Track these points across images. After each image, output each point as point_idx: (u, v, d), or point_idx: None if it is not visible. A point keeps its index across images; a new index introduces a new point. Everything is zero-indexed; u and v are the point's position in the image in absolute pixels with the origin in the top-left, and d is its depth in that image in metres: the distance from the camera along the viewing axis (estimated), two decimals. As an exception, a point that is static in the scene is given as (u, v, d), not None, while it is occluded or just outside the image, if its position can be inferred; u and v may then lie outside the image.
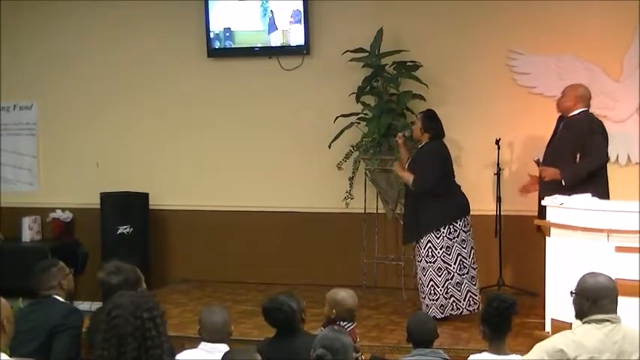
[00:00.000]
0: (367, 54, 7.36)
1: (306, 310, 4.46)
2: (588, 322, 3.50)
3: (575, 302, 3.61)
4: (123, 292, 2.95)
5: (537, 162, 6.28)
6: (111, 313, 2.84)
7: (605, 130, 6.11)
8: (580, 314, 3.58)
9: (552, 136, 6.29)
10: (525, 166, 7.06)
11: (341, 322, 4.50)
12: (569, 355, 3.37)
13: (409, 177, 6.40)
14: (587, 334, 3.44)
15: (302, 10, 7.75)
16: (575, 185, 5.84)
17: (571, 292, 3.64)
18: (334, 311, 4.52)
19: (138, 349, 2.79)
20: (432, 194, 6.31)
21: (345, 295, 4.57)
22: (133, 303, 2.83)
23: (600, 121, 6.20)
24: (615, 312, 3.52)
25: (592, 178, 5.92)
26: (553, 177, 6.03)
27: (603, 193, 5.87)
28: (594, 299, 3.51)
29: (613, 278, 3.66)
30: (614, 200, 5.79)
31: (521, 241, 6.86)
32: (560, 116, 6.29)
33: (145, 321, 2.82)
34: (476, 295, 6.42)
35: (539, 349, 3.46)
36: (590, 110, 6.20)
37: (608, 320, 3.47)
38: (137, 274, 4.31)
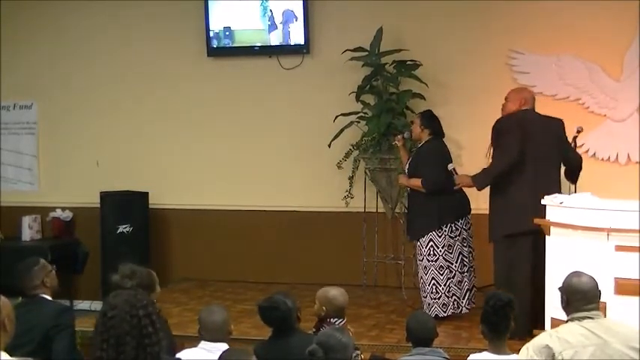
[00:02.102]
0: (367, 53, 7.36)
1: (306, 309, 4.46)
2: (572, 320, 3.60)
3: (561, 299, 3.74)
4: (117, 292, 2.95)
5: (452, 171, 6.27)
6: (106, 314, 2.84)
7: (517, 124, 5.92)
8: (564, 310, 3.71)
9: None
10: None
11: (331, 319, 4.50)
12: (554, 350, 3.47)
13: (416, 182, 6.41)
14: (570, 331, 3.54)
15: (301, 10, 7.74)
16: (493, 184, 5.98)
17: (559, 289, 3.77)
18: (324, 309, 4.53)
19: (136, 348, 2.79)
20: (435, 193, 6.31)
21: (336, 293, 4.57)
22: (127, 302, 2.84)
23: (512, 116, 6.01)
24: (596, 310, 3.61)
25: (511, 178, 5.90)
26: (467, 184, 6.13)
27: (526, 189, 5.87)
28: (573, 299, 3.63)
29: (601, 279, 3.78)
30: (614, 199, 5.79)
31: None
32: None
33: (141, 319, 2.82)
34: (472, 292, 6.45)
35: (527, 348, 3.56)
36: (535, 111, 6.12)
37: (589, 317, 3.56)
38: (152, 279, 4.28)
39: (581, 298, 3.61)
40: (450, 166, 6.28)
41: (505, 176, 5.91)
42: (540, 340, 3.54)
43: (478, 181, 6.08)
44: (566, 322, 3.64)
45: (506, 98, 6.17)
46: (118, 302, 2.85)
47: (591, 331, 3.49)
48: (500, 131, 5.98)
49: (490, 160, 6.09)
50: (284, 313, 4.18)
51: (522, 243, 5.93)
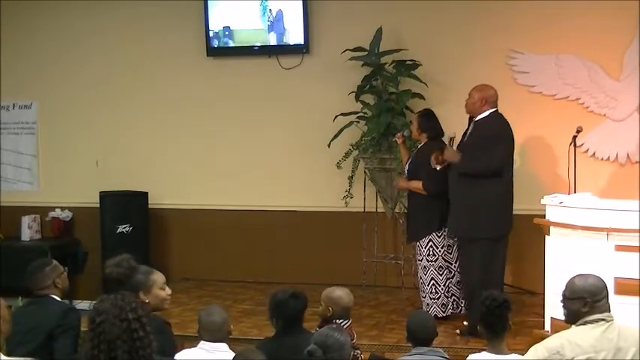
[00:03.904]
0: (366, 53, 7.36)
1: (307, 309, 4.46)
2: (583, 324, 3.51)
3: (568, 306, 3.61)
4: (104, 297, 2.93)
5: (452, 139, 6.20)
6: (95, 320, 2.82)
7: (512, 136, 6.04)
8: (575, 317, 3.57)
9: (462, 138, 6.23)
10: (525, 164, 7.09)
11: (336, 320, 4.50)
12: (566, 355, 3.38)
13: (418, 184, 6.40)
14: (582, 334, 3.46)
15: (299, 9, 7.72)
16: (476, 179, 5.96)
17: (564, 296, 3.64)
18: (331, 309, 4.52)
19: (129, 352, 2.76)
20: (436, 195, 6.30)
21: (341, 293, 4.57)
22: (116, 306, 2.81)
23: (508, 125, 6.06)
24: (609, 310, 3.53)
25: (494, 180, 5.94)
26: (451, 158, 6.05)
27: (503, 195, 5.92)
28: (592, 300, 3.52)
29: (603, 279, 3.68)
30: (614, 199, 5.79)
31: (521, 240, 6.84)
32: (470, 117, 6.25)
33: (131, 322, 2.79)
34: None
35: (537, 351, 3.47)
36: (499, 111, 6.12)
37: (603, 319, 3.48)
38: (147, 279, 4.26)
39: (600, 298, 3.51)
40: (452, 133, 6.19)
41: (496, 177, 5.92)
42: (551, 343, 3.47)
43: (462, 163, 5.98)
44: (578, 324, 3.54)
45: (470, 94, 6.16)
46: (106, 307, 2.82)
47: (604, 334, 3.42)
48: (498, 138, 5.97)
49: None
50: (304, 303, 4.22)
51: (502, 245, 5.95)
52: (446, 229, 6.32)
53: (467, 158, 5.99)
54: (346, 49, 7.37)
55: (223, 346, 3.99)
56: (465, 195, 6.03)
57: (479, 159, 5.93)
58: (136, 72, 8.38)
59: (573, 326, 3.57)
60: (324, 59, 7.84)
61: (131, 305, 2.84)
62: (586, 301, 3.52)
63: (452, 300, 6.36)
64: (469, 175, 5.95)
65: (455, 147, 6.12)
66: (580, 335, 3.45)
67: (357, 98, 7.47)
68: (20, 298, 5.18)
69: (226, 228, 8.12)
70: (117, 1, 8.31)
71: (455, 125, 7.03)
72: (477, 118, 6.13)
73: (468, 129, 6.20)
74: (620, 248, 5.17)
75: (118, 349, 2.76)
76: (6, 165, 8.76)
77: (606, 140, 7.15)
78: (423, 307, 6.36)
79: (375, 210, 7.61)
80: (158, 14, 8.27)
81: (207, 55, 8.11)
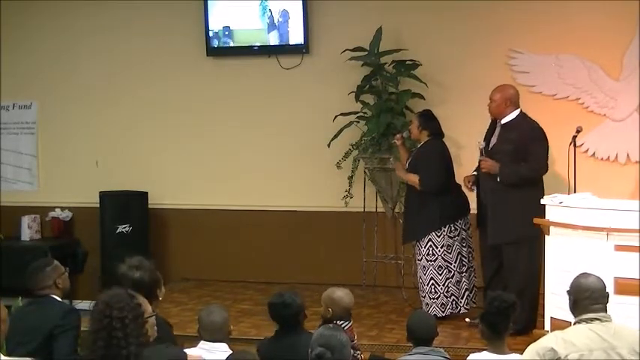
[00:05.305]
0: (366, 53, 7.36)
1: (306, 309, 4.47)
2: (579, 322, 3.55)
3: (568, 299, 3.68)
4: (108, 291, 2.95)
5: (481, 150, 6.16)
6: (93, 309, 2.86)
7: (546, 136, 6.05)
8: (572, 311, 3.63)
9: (486, 140, 6.22)
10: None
11: (337, 322, 4.50)
12: (559, 353, 3.41)
13: (414, 177, 6.40)
14: (577, 333, 3.49)
15: (299, 9, 7.73)
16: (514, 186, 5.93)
17: (567, 292, 3.70)
18: (330, 310, 4.52)
19: (104, 347, 2.78)
20: (434, 193, 6.30)
21: (341, 294, 4.57)
22: (104, 302, 2.84)
23: (539, 125, 6.09)
24: (604, 311, 3.56)
25: (532, 184, 5.97)
26: (490, 170, 6.00)
27: (538, 199, 5.88)
28: (580, 298, 3.57)
29: (603, 279, 3.70)
30: (614, 199, 5.79)
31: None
32: (492, 119, 6.24)
33: (113, 320, 2.81)
34: (472, 293, 6.42)
35: (532, 350, 3.51)
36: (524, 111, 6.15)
37: (597, 319, 3.51)
38: (157, 275, 4.27)
39: (588, 297, 3.55)
40: (481, 144, 6.14)
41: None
42: (545, 342, 3.49)
43: (504, 174, 5.95)
44: (574, 323, 3.58)
45: (491, 97, 6.16)
46: (100, 299, 2.86)
47: (598, 334, 3.43)
48: (534, 138, 6.00)
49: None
50: (294, 310, 4.23)
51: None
52: (445, 229, 6.31)
53: (509, 168, 5.96)
54: (346, 49, 7.37)
55: (223, 346, 4.00)
56: (507, 201, 5.98)
57: (521, 168, 5.94)
58: (135, 72, 8.38)
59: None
60: (324, 59, 7.84)
61: (120, 305, 2.85)
62: (580, 297, 3.57)
63: (451, 300, 6.36)
64: (517, 184, 5.93)
65: (484, 154, 6.09)
66: (574, 334, 3.48)
67: (356, 98, 7.47)
68: (20, 298, 5.18)
69: (226, 228, 8.12)
70: (117, 1, 8.31)
71: (454, 125, 7.08)
72: (503, 121, 6.11)
73: (491, 132, 6.20)
74: (620, 248, 5.17)
75: (97, 341, 2.79)
76: (6, 165, 8.75)
77: (606, 140, 7.15)
78: (423, 307, 6.37)
79: (375, 210, 7.61)
80: (158, 14, 8.27)
81: (207, 55, 8.11)
